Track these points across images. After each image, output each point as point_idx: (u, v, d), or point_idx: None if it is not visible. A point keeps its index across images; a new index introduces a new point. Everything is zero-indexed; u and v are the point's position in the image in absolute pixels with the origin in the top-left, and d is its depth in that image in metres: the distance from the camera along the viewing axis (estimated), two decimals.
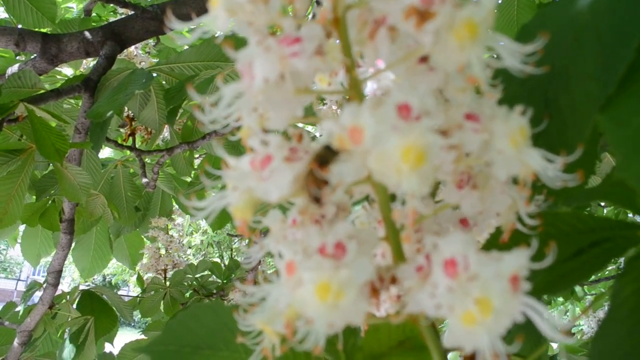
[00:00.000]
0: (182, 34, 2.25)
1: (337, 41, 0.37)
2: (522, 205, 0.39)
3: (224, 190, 0.39)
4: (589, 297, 3.27)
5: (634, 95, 0.35)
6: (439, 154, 0.29)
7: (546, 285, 0.43)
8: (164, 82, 1.49)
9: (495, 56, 0.34)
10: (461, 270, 0.31)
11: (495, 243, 0.46)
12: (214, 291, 2.57)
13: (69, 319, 1.85)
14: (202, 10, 1.49)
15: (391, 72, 0.39)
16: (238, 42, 0.37)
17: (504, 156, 0.34)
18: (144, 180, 1.72)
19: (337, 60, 0.36)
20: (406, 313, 0.34)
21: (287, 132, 0.39)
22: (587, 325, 3.02)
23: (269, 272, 2.56)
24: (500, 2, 1.49)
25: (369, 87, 0.43)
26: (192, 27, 0.41)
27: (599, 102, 0.36)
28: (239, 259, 3.02)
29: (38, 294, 1.85)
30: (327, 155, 0.31)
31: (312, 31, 0.33)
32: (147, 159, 1.91)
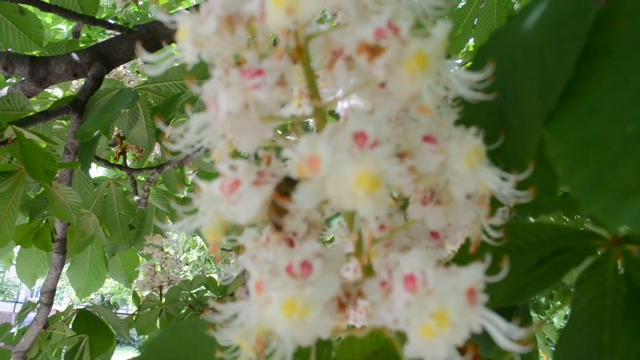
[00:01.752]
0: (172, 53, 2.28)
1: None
2: (484, 219, 0.41)
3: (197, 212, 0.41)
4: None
5: (572, 109, 0.36)
6: (394, 178, 0.31)
7: (512, 294, 0.45)
8: (151, 101, 1.50)
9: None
10: (420, 285, 0.33)
11: (465, 254, 0.48)
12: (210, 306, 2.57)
13: (63, 338, 1.85)
14: None
15: (355, 94, 0.41)
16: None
17: (460, 176, 0.36)
18: (136, 197, 1.74)
19: (300, 86, 0.38)
20: (370, 326, 0.35)
21: (258, 154, 0.41)
22: None
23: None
24: (480, 11, 1.51)
25: (339, 107, 0.45)
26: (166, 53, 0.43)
27: (542, 117, 0.38)
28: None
29: (32, 315, 1.85)
30: (287, 186, 0.33)
31: (273, 63, 0.35)
32: (138, 177, 1.92)
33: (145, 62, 0.41)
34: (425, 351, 0.32)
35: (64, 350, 2.10)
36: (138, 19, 2.43)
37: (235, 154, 0.43)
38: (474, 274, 0.33)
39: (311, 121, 0.44)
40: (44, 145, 1.41)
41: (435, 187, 0.41)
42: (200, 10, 0.39)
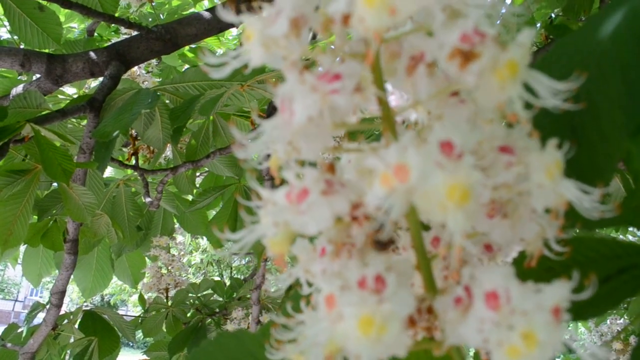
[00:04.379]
0: (183, 53, 2.27)
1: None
2: (551, 233, 0.40)
3: (257, 222, 0.39)
4: None
5: None
6: (482, 191, 0.30)
7: (576, 312, 0.44)
8: (167, 102, 1.49)
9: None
10: (503, 303, 0.31)
11: (519, 267, 0.47)
12: (217, 310, 2.56)
13: (72, 340, 1.83)
14: (206, 30, 1.50)
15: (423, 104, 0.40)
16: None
17: (542, 189, 0.34)
18: (148, 199, 1.72)
19: (371, 94, 0.37)
20: (448, 345, 0.34)
21: (317, 162, 0.40)
22: (590, 340, 3.00)
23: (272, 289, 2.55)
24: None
25: (407, 114, 0.43)
26: (222, 57, 0.41)
27: (627, 131, 0.37)
28: (240, 277, 3.02)
29: (41, 315, 1.84)
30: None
31: (351, 68, 0.34)
32: (149, 178, 1.91)
33: (207, 65, 0.40)
34: None
35: (68, 352, 2.09)
36: (150, 19, 2.42)
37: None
38: (559, 292, 0.32)
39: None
40: (58, 143, 1.39)
41: (502, 199, 0.40)
42: (268, 11, 0.37)
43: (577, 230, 0.46)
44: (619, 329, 2.37)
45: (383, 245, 0.34)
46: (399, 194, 0.30)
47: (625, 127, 0.37)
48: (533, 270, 0.43)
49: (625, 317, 2.38)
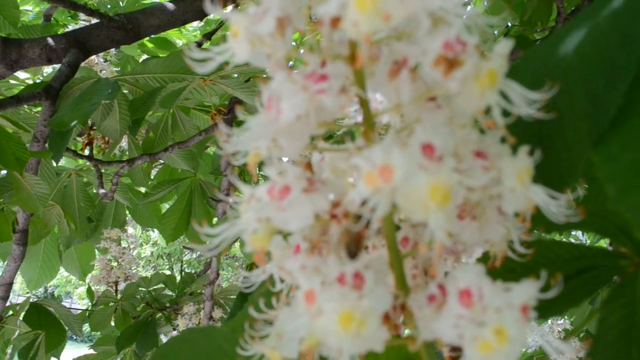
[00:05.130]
0: (143, 43, 2.22)
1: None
2: (516, 235, 0.42)
3: (236, 217, 0.40)
4: None
5: (622, 133, 0.38)
6: (460, 192, 0.31)
7: (539, 310, 0.46)
8: (126, 92, 1.46)
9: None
10: (476, 301, 0.33)
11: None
12: (168, 305, 2.52)
13: (17, 334, 1.77)
14: (169, 22, 1.48)
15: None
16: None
17: (513, 193, 0.36)
18: (102, 191, 1.69)
19: (354, 95, 0.38)
20: (421, 341, 0.35)
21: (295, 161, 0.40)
22: (532, 340, 3.10)
23: (224, 284, 2.54)
24: None
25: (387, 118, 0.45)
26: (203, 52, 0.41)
27: (591, 141, 0.39)
28: (191, 271, 2.99)
29: None
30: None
31: (337, 69, 0.35)
32: (103, 169, 1.87)
33: (192, 59, 0.40)
34: None
35: (12, 347, 2.01)
36: (109, 6, 2.36)
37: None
38: (528, 290, 0.33)
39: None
40: (10, 130, 1.35)
41: (471, 202, 0.42)
42: (254, 10, 0.38)
43: (536, 233, 0.49)
44: (560, 330, 2.47)
45: (353, 253, 0.36)
46: (383, 193, 0.31)
47: (588, 137, 0.39)
48: (496, 270, 0.45)
49: (566, 318, 2.49)
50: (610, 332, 0.40)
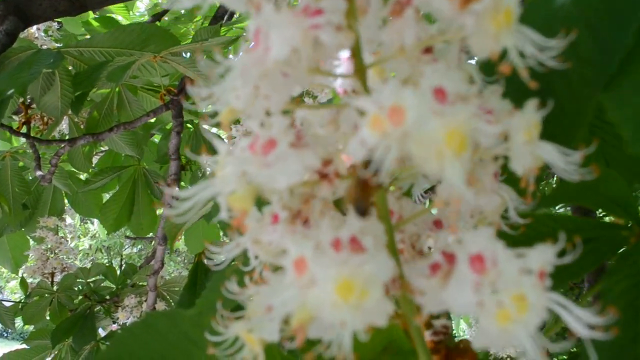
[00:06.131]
0: (88, 21, 2.10)
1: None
2: (512, 205, 0.39)
3: (210, 178, 0.35)
4: None
5: (632, 76, 0.36)
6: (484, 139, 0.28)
7: None
8: (70, 68, 1.36)
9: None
10: (490, 267, 0.29)
11: None
12: (107, 297, 2.40)
13: None
14: None
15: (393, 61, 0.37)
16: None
17: (522, 150, 0.33)
18: (39, 173, 1.57)
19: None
20: (426, 313, 0.31)
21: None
22: (470, 335, 3.14)
23: (167, 277, 2.44)
24: None
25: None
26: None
27: (597, 87, 0.37)
28: (133, 264, 2.87)
29: None
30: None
31: (333, 3, 0.30)
32: (41, 151, 1.74)
33: None
34: (500, 338, 0.28)
35: None
36: None
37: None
38: (544, 255, 0.30)
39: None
40: None
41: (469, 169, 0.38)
42: None
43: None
44: None
45: (362, 211, 0.31)
46: (392, 138, 0.27)
47: (595, 84, 0.37)
48: None
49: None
50: (616, 304, 0.38)
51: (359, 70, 0.34)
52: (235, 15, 2.19)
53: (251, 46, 0.31)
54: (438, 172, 0.27)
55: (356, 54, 0.34)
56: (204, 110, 0.35)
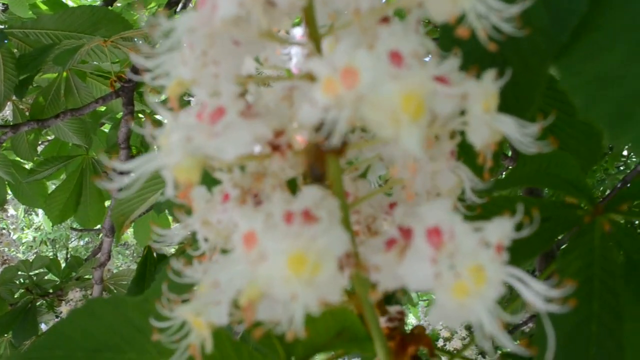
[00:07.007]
0: (35, 4, 2.01)
1: None
2: (468, 184, 0.38)
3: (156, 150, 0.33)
4: (421, 302, 3.49)
5: (584, 45, 0.36)
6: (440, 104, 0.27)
7: None
8: (15, 50, 1.29)
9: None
10: (447, 240, 0.28)
11: None
12: (51, 291, 2.31)
13: None
14: None
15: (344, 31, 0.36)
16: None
17: (480, 121, 0.32)
18: None
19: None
20: (381, 290, 0.30)
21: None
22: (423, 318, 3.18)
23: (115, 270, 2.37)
24: None
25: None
26: None
27: (548, 56, 0.36)
28: (79, 257, 2.78)
29: None
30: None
31: None
32: None
33: None
34: (457, 313, 0.27)
35: None
36: None
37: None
38: (502, 228, 0.29)
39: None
40: None
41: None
42: None
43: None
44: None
45: (318, 177, 0.30)
46: (345, 101, 0.25)
47: (547, 53, 0.36)
48: None
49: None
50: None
51: (313, 35, 0.33)
52: (189, 4, 2.14)
53: (198, 4, 0.29)
54: (393, 137, 0.26)
55: (310, 19, 0.32)
56: (150, 84, 0.32)
